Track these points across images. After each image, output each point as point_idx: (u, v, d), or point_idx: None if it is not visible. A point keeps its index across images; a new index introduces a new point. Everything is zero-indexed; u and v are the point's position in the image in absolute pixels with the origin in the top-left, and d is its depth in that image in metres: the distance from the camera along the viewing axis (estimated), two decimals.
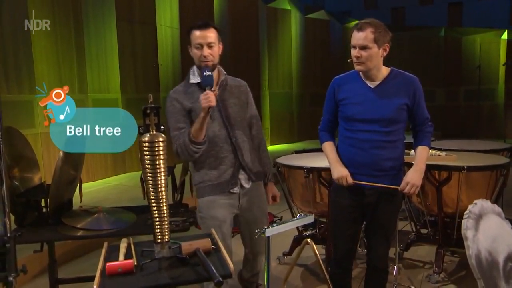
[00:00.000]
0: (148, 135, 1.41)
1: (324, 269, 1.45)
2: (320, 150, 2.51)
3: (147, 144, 1.40)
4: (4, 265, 1.48)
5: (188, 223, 2.44)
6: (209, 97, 1.93)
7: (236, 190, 2.21)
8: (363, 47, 2.08)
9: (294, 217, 3.25)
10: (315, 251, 1.41)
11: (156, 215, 1.44)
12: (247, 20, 9.06)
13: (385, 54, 2.15)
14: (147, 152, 1.40)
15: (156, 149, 1.40)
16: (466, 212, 2.21)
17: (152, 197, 1.43)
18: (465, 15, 17.48)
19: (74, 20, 5.81)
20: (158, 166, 1.41)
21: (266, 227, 1.27)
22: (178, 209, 2.59)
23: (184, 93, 2.17)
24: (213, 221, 2.16)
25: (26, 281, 3.17)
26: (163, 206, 1.43)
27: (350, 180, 2.14)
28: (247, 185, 2.25)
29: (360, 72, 2.20)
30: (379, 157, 2.14)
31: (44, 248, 2.55)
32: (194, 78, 2.20)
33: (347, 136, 2.22)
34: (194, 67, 2.23)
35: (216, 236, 1.63)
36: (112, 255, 1.48)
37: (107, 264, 1.33)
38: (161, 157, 1.41)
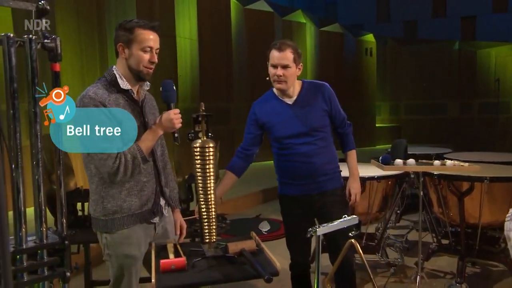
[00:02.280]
0: (200, 141, 1.50)
1: (369, 269, 1.53)
2: (344, 160, 2.59)
3: (198, 149, 1.49)
4: (62, 261, 1.58)
5: (220, 228, 2.53)
6: (180, 116, 1.73)
7: (155, 220, 1.86)
8: (284, 66, 2.20)
9: None
10: (360, 251, 1.49)
11: (205, 217, 1.53)
12: (264, 32, 9.22)
13: (299, 73, 2.28)
14: (198, 157, 1.49)
15: (207, 154, 1.49)
16: (508, 214, 2.26)
17: (201, 200, 1.52)
18: (478, 28, 17.51)
19: (98, 32, 6.00)
20: (208, 170, 1.50)
21: (317, 227, 1.36)
22: None
23: (108, 99, 1.74)
24: (128, 259, 1.78)
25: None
26: (211, 208, 1.52)
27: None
28: (166, 213, 1.92)
29: (275, 91, 2.33)
30: (319, 163, 2.29)
31: (80, 250, 2.66)
32: (124, 84, 1.80)
33: (283, 153, 2.33)
34: (118, 71, 1.82)
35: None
36: (161, 254, 1.57)
37: (162, 261, 1.42)
38: (211, 161, 1.50)
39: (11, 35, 1.47)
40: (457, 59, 12.49)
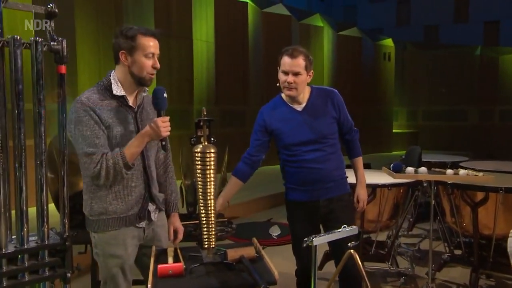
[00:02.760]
0: (201, 146, 1.50)
1: (366, 280, 1.49)
2: (350, 166, 2.57)
3: (199, 154, 1.49)
4: (63, 262, 1.59)
5: (226, 232, 2.52)
6: (169, 125, 1.72)
7: (142, 224, 1.87)
8: (296, 74, 2.18)
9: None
10: (359, 263, 1.46)
11: (204, 222, 1.52)
12: (281, 36, 9.21)
13: (309, 80, 2.27)
14: (199, 162, 1.49)
15: (208, 160, 1.48)
16: None
17: (201, 205, 1.51)
18: (502, 33, 17.15)
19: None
20: (208, 176, 1.49)
21: (313, 236, 1.34)
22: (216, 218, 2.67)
23: (100, 104, 1.75)
24: (115, 259, 1.81)
25: (71, 280, 3.30)
26: (211, 213, 1.51)
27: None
28: (154, 218, 1.92)
29: (284, 97, 2.32)
30: (328, 170, 2.28)
31: (87, 250, 2.67)
32: (118, 90, 1.80)
33: (291, 160, 2.31)
34: (115, 77, 1.82)
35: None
36: (161, 258, 1.57)
37: (159, 266, 1.42)
38: (212, 167, 1.49)
39: (18, 37, 1.49)
40: (479, 65, 12.26)
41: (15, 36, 1.48)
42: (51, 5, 1.66)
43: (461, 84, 12.15)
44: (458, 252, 3.52)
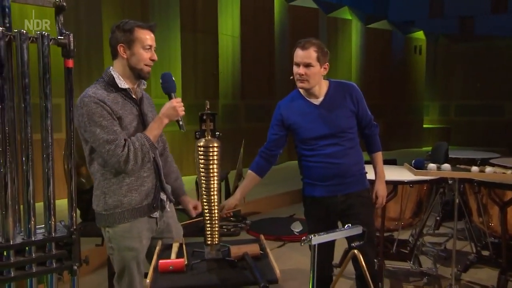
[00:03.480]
0: (204, 140, 1.47)
1: (370, 281, 1.43)
2: (370, 162, 2.49)
3: (202, 148, 1.46)
4: (70, 255, 1.60)
5: (240, 228, 2.49)
6: (182, 104, 1.82)
7: (156, 214, 1.91)
8: (307, 65, 2.15)
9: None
10: (362, 263, 1.40)
11: (208, 218, 1.49)
12: (307, 29, 9.06)
13: (325, 73, 2.22)
14: (202, 156, 1.46)
15: (211, 154, 1.45)
16: None
17: (204, 200, 1.49)
18: None
19: None
20: (211, 170, 1.46)
21: (312, 236, 1.29)
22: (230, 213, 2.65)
23: (107, 98, 1.78)
24: (130, 252, 1.83)
25: (88, 272, 3.38)
26: (214, 209, 1.49)
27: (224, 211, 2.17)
28: (167, 207, 1.98)
29: (301, 91, 2.27)
30: (346, 164, 2.23)
31: (104, 243, 2.71)
32: (122, 83, 1.84)
33: (309, 155, 2.26)
34: (115, 72, 1.85)
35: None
36: (164, 253, 1.56)
37: (160, 261, 1.40)
38: (215, 161, 1.46)
39: (24, 31, 1.50)
40: None
41: (21, 30, 1.50)
42: None
43: (498, 78, 11.64)
44: (485, 253, 3.38)
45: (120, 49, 1.81)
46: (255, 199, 5.57)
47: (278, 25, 8.56)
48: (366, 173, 2.38)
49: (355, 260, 2.39)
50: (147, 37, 1.83)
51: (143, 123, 1.87)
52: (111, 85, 1.82)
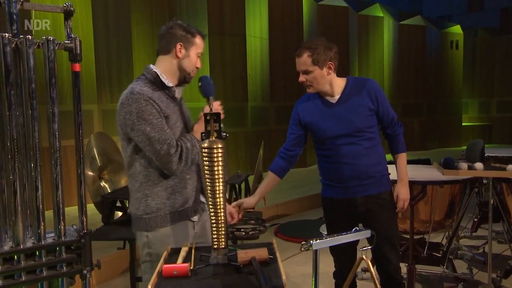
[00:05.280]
0: (208, 141, 1.43)
1: (378, 285, 1.34)
2: (410, 161, 2.38)
3: (206, 150, 1.42)
4: (80, 259, 1.60)
5: (258, 231, 2.44)
6: (222, 107, 1.76)
7: (195, 218, 1.85)
8: (305, 72, 2.10)
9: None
10: (370, 267, 1.31)
11: (214, 221, 1.45)
12: (337, 28, 8.93)
13: (331, 71, 2.12)
14: (206, 158, 1.42)
15: (215, 155, 1.41)
16: None
17: (210, 203, 1.45)
18: None
19: None
20: (216, 172, 1.41)
21: (313, 240, 1.21)
22: (250, 216, 2.60)
23: (154, 96, 1.72)
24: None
25: (112, 277, 3.41)
26: (220, 212, 1.44)
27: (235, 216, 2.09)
28: (206, 210, 1.83)
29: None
30: (365, 165, 2.14)
31: (126, 247, 2.73)
32: (167, 81, 1.80)
33: (327, 154, 2.18)
34: (158, 69, 1.81)
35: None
36: (172, 258, 1.52)
37: (164, 266, 1.37)
38: (220, 163, 1.41)
39: (30, 37, 1.51)
40: None
41: (27, 36, 1.51)
42: (67, 3, 1.67)
43: None
44: None
45: (178, 46, 1.79)
46: (284, 201, 5.50)
47: (307, 25, 8.46)
48: (389, 174, 2.27)
49: (379, 265, 2.30)
50: (202, 45, 1.87)
51: (185, 124, 1.85)
52: (155, 83, 1.77)
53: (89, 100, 5.35)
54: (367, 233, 1.31)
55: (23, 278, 1.53)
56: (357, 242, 2.28)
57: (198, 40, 1.84)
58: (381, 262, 2.27)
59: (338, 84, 2.18)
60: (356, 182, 2.14)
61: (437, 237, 3.40)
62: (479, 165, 2.59)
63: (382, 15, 9.91)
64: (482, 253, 3.77)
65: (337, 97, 2.17)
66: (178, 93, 1.86)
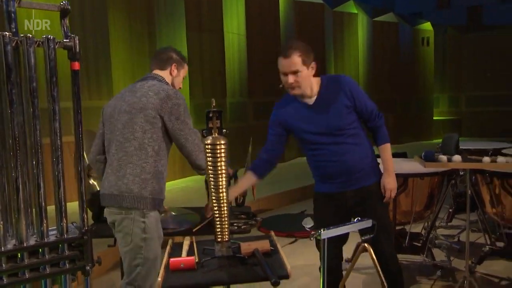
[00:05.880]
0: (211, 137, 1.47)
1: (382, 275, 1.42)
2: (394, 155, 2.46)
3: (209, 146, 1.46)
4: (82, 255, 1.61)
5: (250, 225, 2.49)
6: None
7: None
8: (294, 72, 2.09)
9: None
10: (373, 257, 1.39)
11: (217, 215, 1.49)
12: (313, 25, 9.04)
13: (313, 72, 2.15)
14: (209, 154, 1.46)
15: (218, 151, 1.45)
16: None
17: (213, 198, 1.49)
18: None
19: (148, 30, 6.18)
20: (219, 168, 1.46)
21: (322, 230, 1.28)
22: (240, 211, 2.65)
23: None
24: (159, 240, 1.90)
25: (102, 273, 3.41)
26: (223, 206, 1.49)
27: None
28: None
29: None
30: (352, 161, 2.17)
31: (116, 244, 2.73)
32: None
33: (313, 154, 2.22)
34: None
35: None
36: (175, 252, 1.56)
37: (171, 259, 1.41)
38: (223, 159, 1.46)
39: (30, 35, 1.51)
40: None
41: (28, 35, 1.51)
42: (64, 2, 1.68)
43: (508, 68, 11.48)
44: (500, 244, 3.34)
45: (173, 66, 2.15)
46: (266, 195, 5.57)
47: (284, 21, 8.53)
48: (379, 164, 2.32)
49: (374, 254, 2.34)
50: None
51: None
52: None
53: (68, 97, 5.25)
54: (369, 222, 1.39)
55: (27, 276, 1.53)
56: (342, 240, 2.32)
57: (186, 66, 2.23)
58: (375, 251, 2.30)
59: (314, 85, 2.19)
60: (345, 177, 2.18)
61: (416, 228, 3.54)
62: (457, 157, 2.71)
63: (356, 11, 10.09)
64: (457, 241, 3.95)
65: (313, 98, 2.19)
66: None
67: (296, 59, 2.07)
